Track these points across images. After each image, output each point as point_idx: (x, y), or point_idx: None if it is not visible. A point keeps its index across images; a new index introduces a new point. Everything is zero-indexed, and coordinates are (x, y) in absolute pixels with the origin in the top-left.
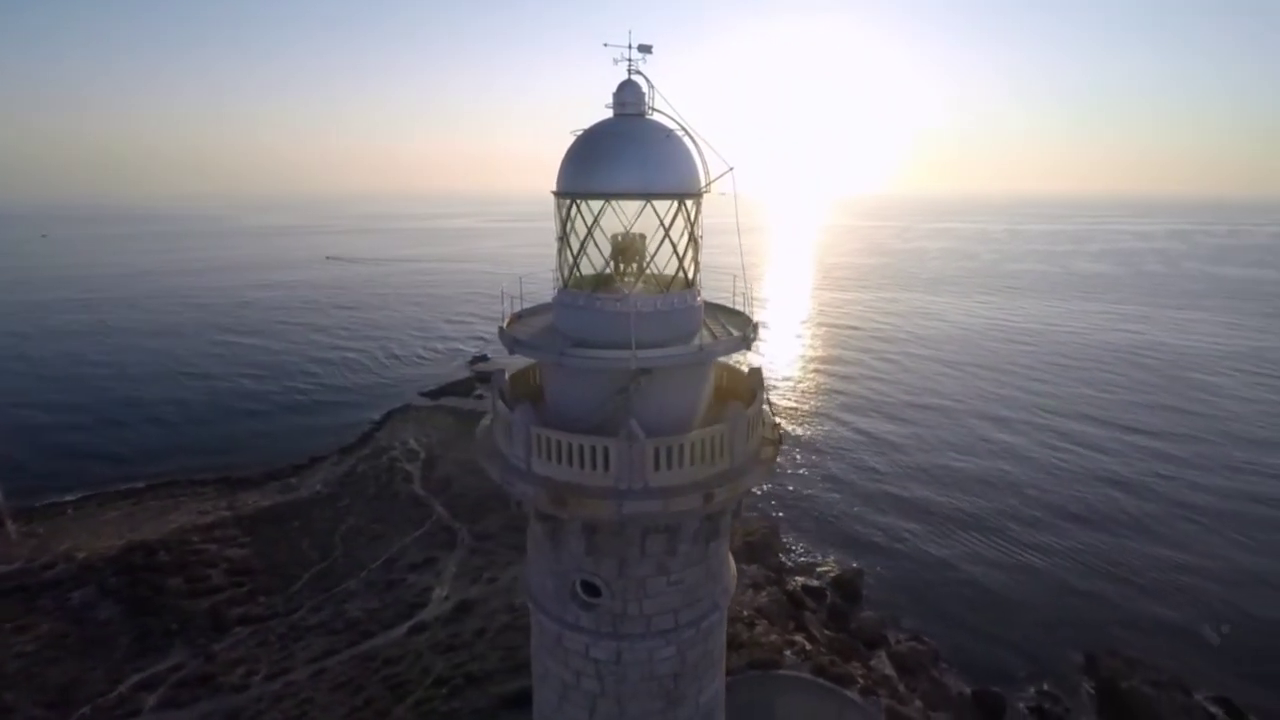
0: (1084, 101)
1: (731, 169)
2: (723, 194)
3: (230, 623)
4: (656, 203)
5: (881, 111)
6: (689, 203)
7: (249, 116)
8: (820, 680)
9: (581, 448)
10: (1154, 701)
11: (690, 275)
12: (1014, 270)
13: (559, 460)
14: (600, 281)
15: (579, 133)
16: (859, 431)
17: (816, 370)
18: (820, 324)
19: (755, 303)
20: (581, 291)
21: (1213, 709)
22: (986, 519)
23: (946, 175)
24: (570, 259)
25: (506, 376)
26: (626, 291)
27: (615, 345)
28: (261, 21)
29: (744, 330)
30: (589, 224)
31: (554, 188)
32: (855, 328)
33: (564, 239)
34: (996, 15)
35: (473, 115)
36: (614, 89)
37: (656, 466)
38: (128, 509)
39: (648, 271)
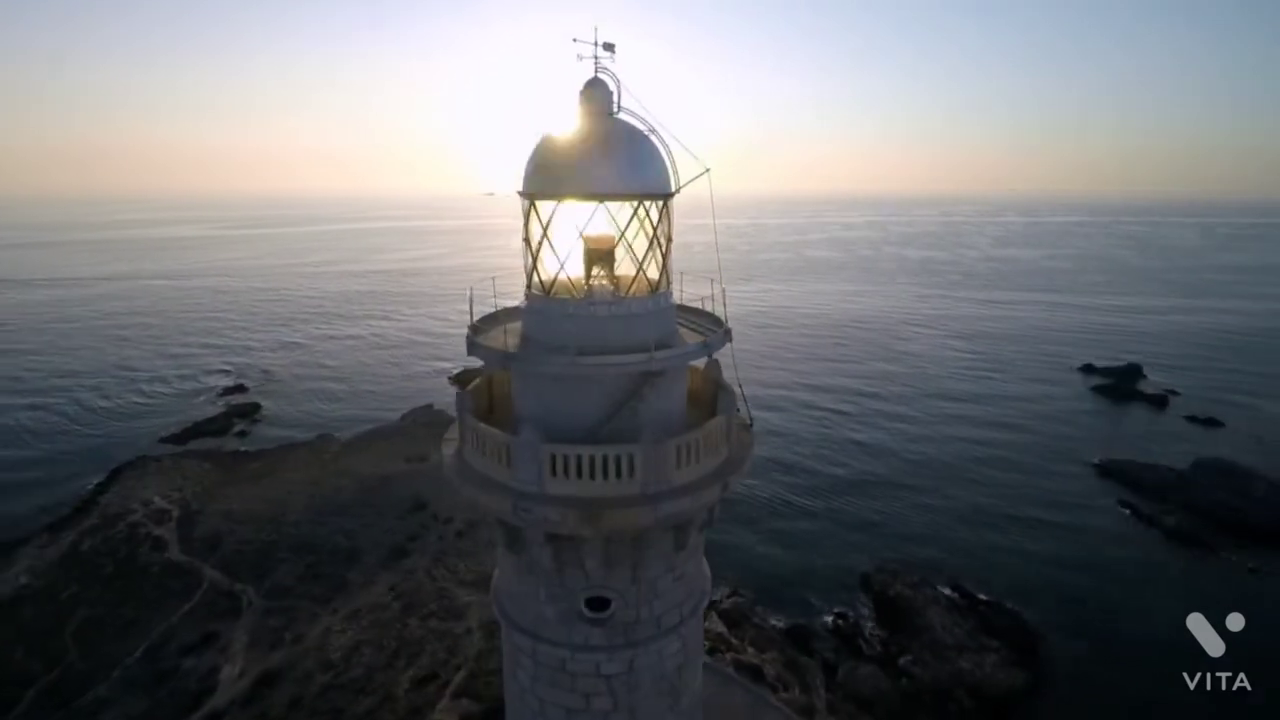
0: (820, 110)
1: (708, 170)
2: (490, 194)
3: None
4: (646, 203)
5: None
6: (669, 204)
7: None
8: None
9: (605, 458)
10: (912, 598)
11: (669, 276)
12: (763, 259)
13: (579, 476)
14: (570, 285)
15: (545, 132)
16: None
17: None
18: None
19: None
20: (571, 298)
21: (951, 594)
22: (766, 488)
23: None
24: (559, 263)
25: (471, 396)
26: (608, 294)
27: (613, 349)
28: None
29: (719, 325)
30: (580, 227)
31: (521, 189)
32: None
33: (543, 242)
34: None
35: (190, 102)
36: (580, 87)
37: (678, 465)
38: None
39: (618, 273)
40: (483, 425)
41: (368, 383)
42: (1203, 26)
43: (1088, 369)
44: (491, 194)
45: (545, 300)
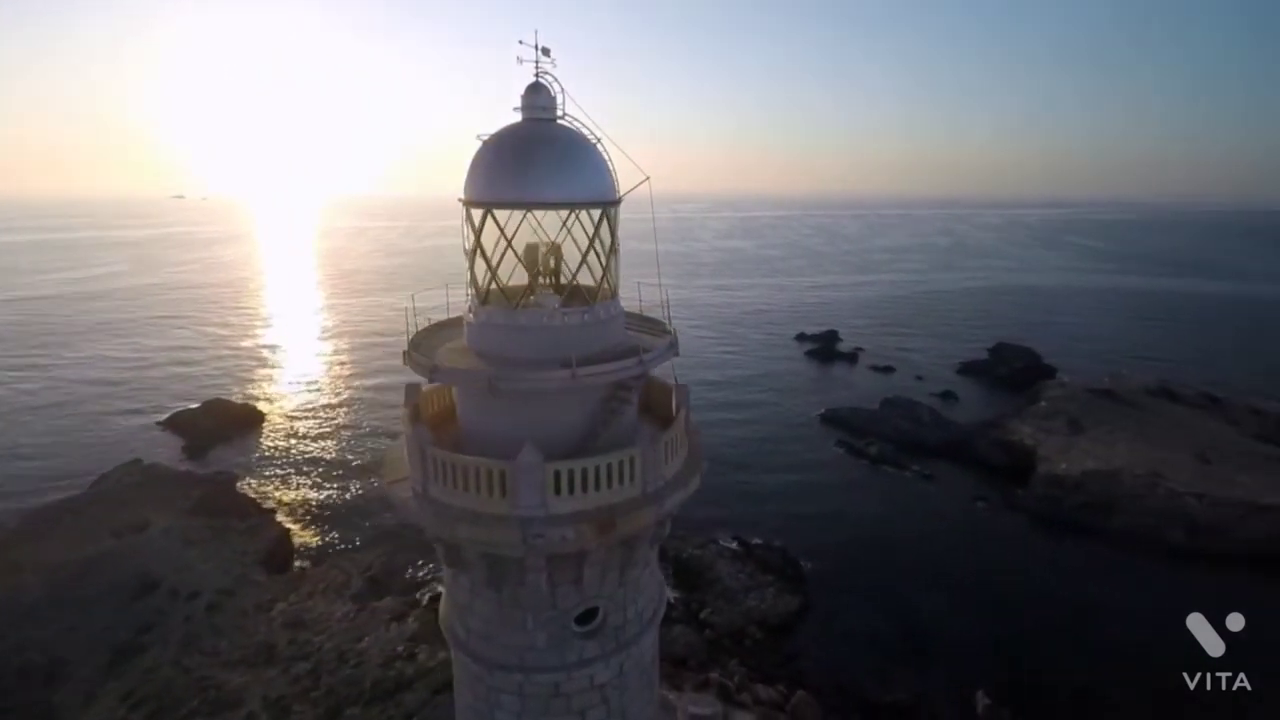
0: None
1: (648, 178)
2: (180, 197)
3: None
4: (610, 210)
5: (370, 112)
6: (618, 210)
7: None
8: None
9: (610, 466)
10: (701, 556)
11: (618, 282)
12: None
13: (585, 488)
14: (514, 295)
15: (485, 137)
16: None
17: (350, 387)
18: (346, 334)
19: (269, 320)
20: (541, 308)
21: (732, 545)
22: None
23: (435, 176)
24: (526, 275)
25: (428, 433)
26: (557, 302)
27: (594, 358)
28: None
29: (654, 325)
30: (519, 235)
31: (466, 196)
32: (380, 333)
33: (506, 253)
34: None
35: None
36: (522, 91)
37: (665, 461)
38: None
39: (564, 281)
40: (466, 456)
41: (29, 451)
42: (857, 48)
43: (801, 337)
44: (181, 197)
45: (511, 313)
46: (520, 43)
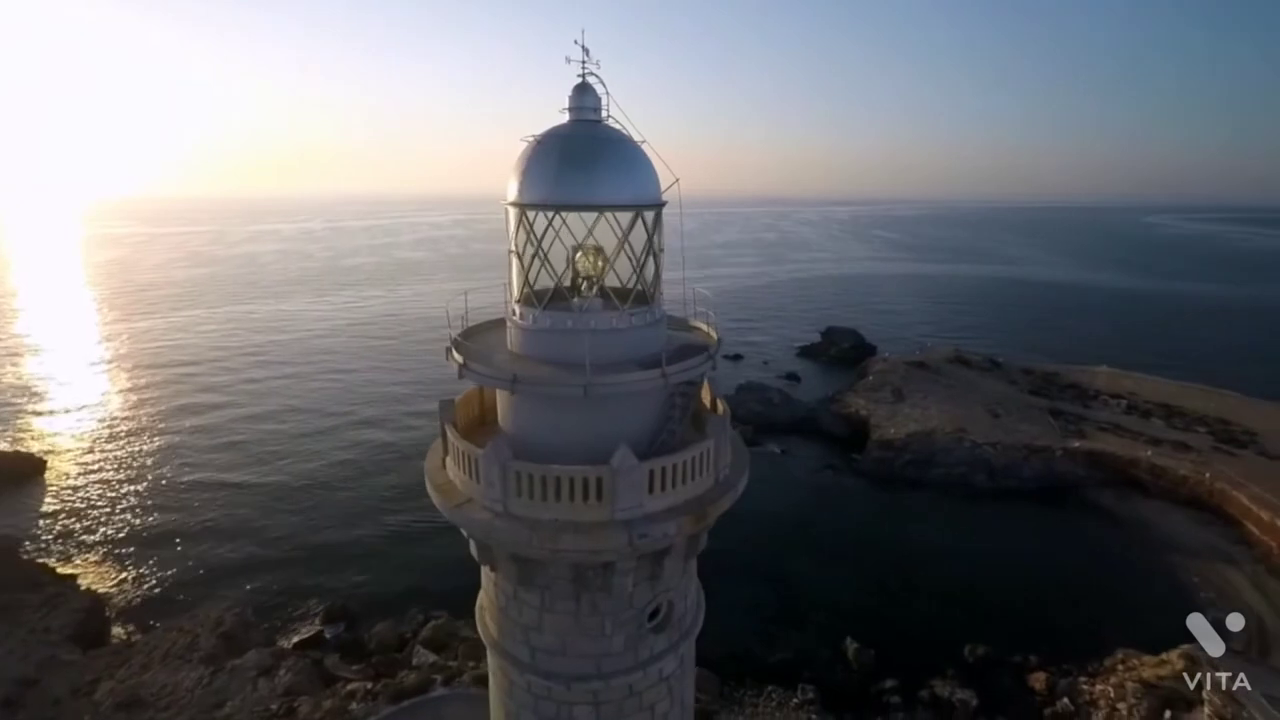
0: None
1: (678, 180)
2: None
3: None
4: (655, 211)
5: (136, 108)
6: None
7: None
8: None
9: (692, 460)
10: None
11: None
12: (351, 264)
13: (674, 484)
14: (554, 296)
15: (535, 138)
16: (207, 485)
17: (150, 420)
18: (142, 362)
19: (35, 349)
20: (617, 310)
21: None
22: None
23: (230, 176)
24: (580, 278)
25: (508, 448)
26: (598, 304)
27: (673, 358)
28: None
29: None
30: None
31: (525, 199)
32: (186, 360)
33: (576, 257)
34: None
35: None
36: (569, 92)
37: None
38: None
39: (606, 283)
40: (557, 466)
41: None
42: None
43: None
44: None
45: (581, 317)
46: (575, 43)
